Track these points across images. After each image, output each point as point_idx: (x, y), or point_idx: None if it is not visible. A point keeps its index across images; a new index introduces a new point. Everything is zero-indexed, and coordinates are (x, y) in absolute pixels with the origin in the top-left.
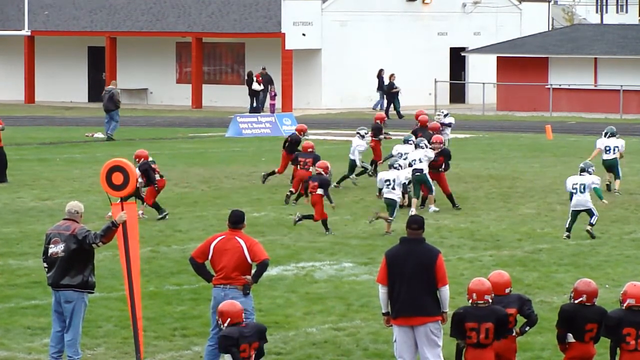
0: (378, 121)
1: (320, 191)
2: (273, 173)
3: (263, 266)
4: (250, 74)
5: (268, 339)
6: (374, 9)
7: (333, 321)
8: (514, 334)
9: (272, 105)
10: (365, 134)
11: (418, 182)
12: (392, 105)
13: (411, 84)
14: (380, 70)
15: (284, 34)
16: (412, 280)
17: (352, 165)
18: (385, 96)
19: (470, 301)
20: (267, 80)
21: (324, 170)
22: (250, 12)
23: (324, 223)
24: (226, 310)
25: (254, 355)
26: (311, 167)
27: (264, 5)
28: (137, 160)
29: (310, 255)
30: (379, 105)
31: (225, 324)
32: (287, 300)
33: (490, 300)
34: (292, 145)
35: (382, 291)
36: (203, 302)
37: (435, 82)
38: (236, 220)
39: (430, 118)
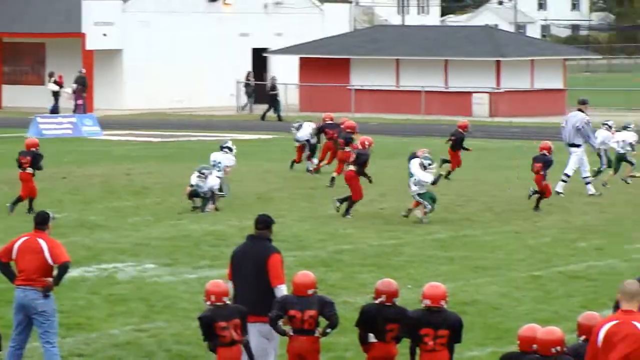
0: (348, 130)
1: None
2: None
3: (63, 268)
4: (51, 74)
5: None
6: (175, 10)
7: (135, 322)
8: (316, 334)
9: (80, 106)
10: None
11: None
12: (272, 108)
13: (213, 84)
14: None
15: (84, 34)
16: (248, 278)
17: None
18: (251, 97)
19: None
20: (82, 82)
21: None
22: (51, 12)
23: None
24: None
25: None
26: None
27: (64, 5)
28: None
29: (112, 256)
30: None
31: None
32: (89, 302)
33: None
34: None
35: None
36: (4, 304)
37: (237, 82)
38: (40, 222)
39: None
